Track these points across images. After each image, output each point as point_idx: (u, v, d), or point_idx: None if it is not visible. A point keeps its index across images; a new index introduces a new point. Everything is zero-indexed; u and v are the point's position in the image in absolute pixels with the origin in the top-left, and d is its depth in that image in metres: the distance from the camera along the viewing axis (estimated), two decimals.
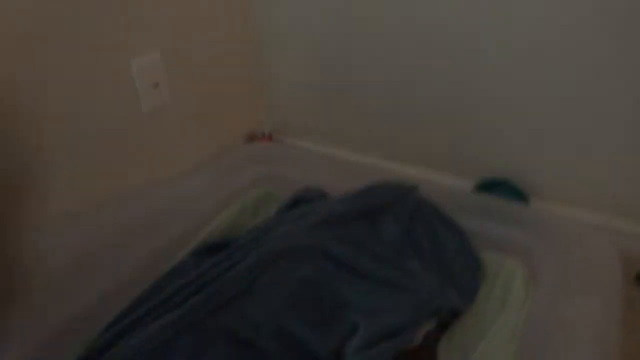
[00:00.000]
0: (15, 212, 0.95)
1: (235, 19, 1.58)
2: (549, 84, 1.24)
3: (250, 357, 0.70)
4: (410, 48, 1.40)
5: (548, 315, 0.81)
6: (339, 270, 0.82)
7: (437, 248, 0.96)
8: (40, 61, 1.01)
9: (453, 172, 1.50)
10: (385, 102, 1.52)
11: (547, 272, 0.90)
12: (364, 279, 0.82)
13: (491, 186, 1.40)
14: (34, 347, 0.76)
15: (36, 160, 1.02)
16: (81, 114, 1.12)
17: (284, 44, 1.63)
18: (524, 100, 1.30)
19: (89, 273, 0.89)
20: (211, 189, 1.19)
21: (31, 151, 1.01)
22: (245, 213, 1.16)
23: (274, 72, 1.71)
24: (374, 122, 1.58)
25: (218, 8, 1.48)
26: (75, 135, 1.11)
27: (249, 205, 1.18)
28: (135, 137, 1.28)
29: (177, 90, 1.37)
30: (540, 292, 0.88)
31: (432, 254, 0.94)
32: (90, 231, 0.97)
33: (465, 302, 0.87)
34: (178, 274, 0.87)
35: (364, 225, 0.94)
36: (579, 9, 1.13)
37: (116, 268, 0.92)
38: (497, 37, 1.26)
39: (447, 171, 1.51)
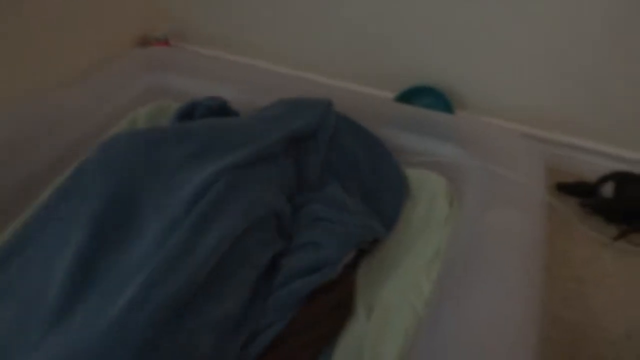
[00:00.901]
0: None
1: None
2: None
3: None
4: None
5: (472, 232, 0.77)
6: (280, 235, 0.74)
7: (357, 174, 0.89)
8: None
9: (373, 84, 1.39)
10: (295, 8, 1.36)
11: (472, 187, 0.85)
12: (297, 229, 0.77)
13: (414, 94, 1.31)
14: None
15: None
16: None
17: None
18: (445, 12, 1.20)
19: None
20: (95, 102, 1.01)
21: None
22: None
23: None
24: (284, 29, 1.42)
25: None
26: None
27: (141, 122, 1.01)
28: None
29: None
30: (465, 208, 0.83)
31: (353, 181, 0.87)
32: None
33: (387, 227, 0.82)
34: (45, 218, 0.69)
35: (290, 160, 0.83)
36: None
37: None
38: None
39: (366, 83, 1.40)
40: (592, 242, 1.07)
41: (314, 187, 0.84)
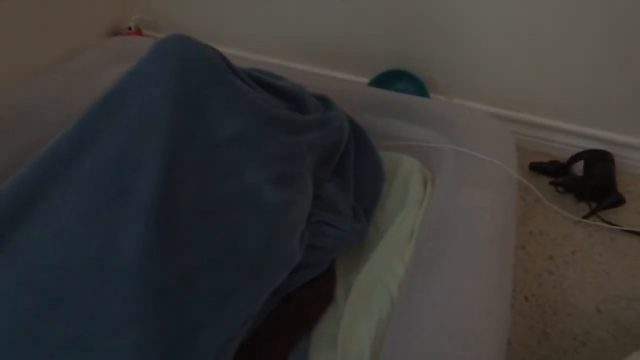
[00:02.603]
0: None
1: None
2: None
3: None
4: None
5: (445, 214, 0.78)
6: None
7: (347, 165, 0.88)
8: None
9: (347, 69, 1.40)
10: None
11: (445, 169, 0.86)
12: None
13: (388, 78, 1.32)
14: None
15: None
16: None
17: None
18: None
19: None
20: (66, 93, 0.99)
21: None
22: None
23: None
24: (256, 16, 1.41)
25: None
26: None
27: None
28: None
29: None
30: (438, 190, 0.84)
31: (343, 170, 0.87)
32: None
33: (368, 220, 0.82)
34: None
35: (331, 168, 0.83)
36: None
37: None
38: None
39: (341, 68, 1.40)
40: (564, 220, 1.10)
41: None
